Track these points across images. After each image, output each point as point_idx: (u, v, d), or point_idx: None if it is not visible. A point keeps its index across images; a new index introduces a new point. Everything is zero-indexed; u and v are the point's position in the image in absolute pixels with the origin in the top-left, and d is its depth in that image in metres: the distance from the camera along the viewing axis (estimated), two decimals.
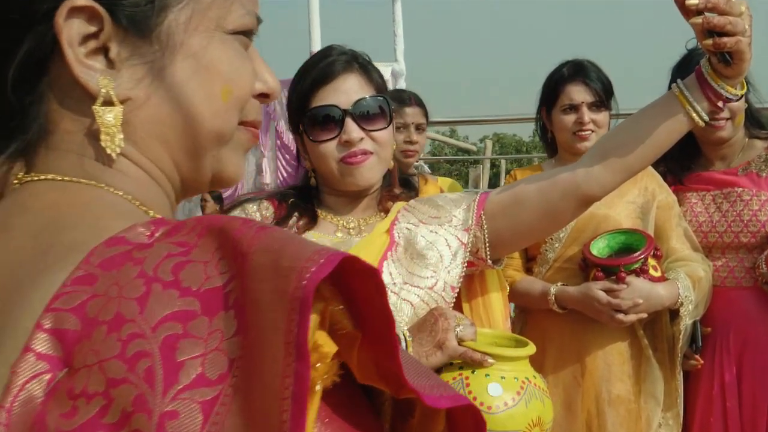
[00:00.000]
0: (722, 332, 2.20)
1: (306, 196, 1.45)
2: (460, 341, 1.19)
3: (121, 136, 0.54)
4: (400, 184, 1.59)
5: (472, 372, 1.17)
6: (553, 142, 2.37)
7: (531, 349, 1.29)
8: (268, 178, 4.82)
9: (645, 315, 2.07)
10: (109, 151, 0.54)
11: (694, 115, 1.19)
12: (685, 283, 2.10)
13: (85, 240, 0.46)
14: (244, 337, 0.37)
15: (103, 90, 0.53)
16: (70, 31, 0.52)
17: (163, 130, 0.57)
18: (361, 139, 1.35)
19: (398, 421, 0.49)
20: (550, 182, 1.30)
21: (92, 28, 0.53)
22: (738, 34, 1.10)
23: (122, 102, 0.54)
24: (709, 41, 1.12)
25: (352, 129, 1.33)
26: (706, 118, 1.20)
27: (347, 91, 1.34)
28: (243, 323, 0.37)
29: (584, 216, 2.12)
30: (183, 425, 0.36)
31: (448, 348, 1.16)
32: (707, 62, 1.18)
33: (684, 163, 2.35)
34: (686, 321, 2.11)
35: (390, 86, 7.03)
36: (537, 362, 2.16)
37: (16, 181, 0.56)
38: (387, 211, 1.43)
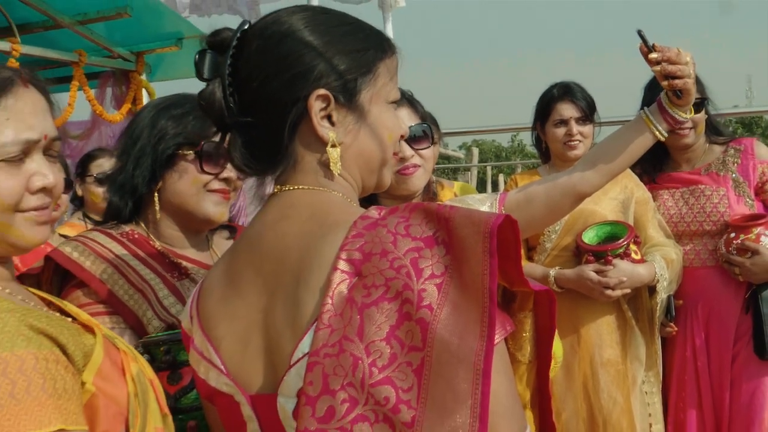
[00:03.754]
0: (692, 304, 2.62)
1: (368, 200, 1.87)
2: None
3: (339, 163, 0.98)
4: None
5: None
6: (547, 151, 2.79)
7: None
8: None
9: (629, 290, 2.49)
10: (334, 171, 0.97)
11: (657, 132, 1.63)
12: (660, 264, 2.52)
13: (343, 218, 0.90)
14: (452, 256, 0.80)
15: (332, 139, 0.96)
16: (315, 107, 0.96)
17: (358, 160, 1.00)
18: (412, 155, 1.78)
19: (505, 305, 0.93)
20: (553, 184, 1.73)
21: (324, 104, 0.97)
22: (685, 77, 1.55)
23: (339, 145, 0.98)
24: (666, 82, 1.56)
25: (406, 149, 1.76)
26: (665, 135, 1.64)
27: (402, 119, 1.77)
28: (450, 250, 0.81)
29: (575, 211, 2.55)
30: (429, 294, 0.79)
31: None
32: (665, 95, 1.63)
33: (656, 165, 2.76)
34: (662, 295, 2.52)
35: None
36: None
37: (276, 190, 0.99)
38: None
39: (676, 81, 1.55)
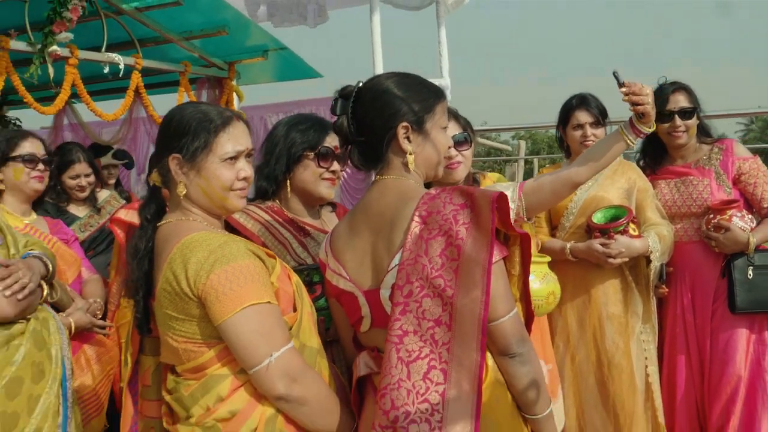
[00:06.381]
0: (681, 271, 3.28)
1: (427, 186, 2.63)
2: None
3: (413, 164, 1.74)
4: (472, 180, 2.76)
5: None
6: (568, 148, 3.48)
7: (548, 258, 2.45)
8: None
9: (627, 259, 3.15)
10: (410, 168, 1.73)
11: (628, 140, 2.33)
12: (654, 239, 3.18)
13: (416, 194, 1.66)
14: (473, 213, 1.55)
15: (409, 150, 1.72)
16: (400, 132, 1.72)
17: (424, 162, 1.76)
18: (456, 155, 2.52)
19: (504, 241, 1.69)
20: (557, 176, 2.44)
21: (405, 131, 1.73)
22: (646, 105, 2.25)
23: (413, 154, 1.74)
24: (632, 107, 2.27)
25: (453, 150, 2.51)
26: (634, 142, 2.35)
27: (450, 129, 2.52)
28: (472, 210, 1.55)
29: (588, 198, 3.26)
30: (461, 232, 1.54)
31: None
32: (634, 115, 2.33)
33: (657, 160, 3.43)
34: (655, 263, 3.16)
35: None
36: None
37: (377, 178, 1.76)
38: None
39: (638, 107, 2.26)
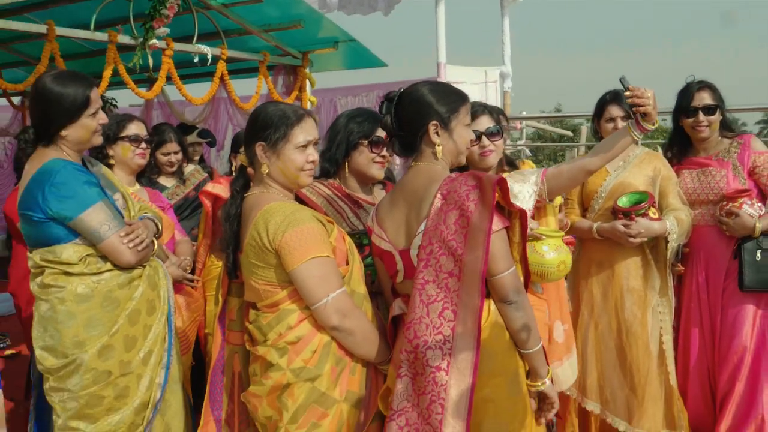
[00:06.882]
0: (696, 251, 3.65)
1: (461, 169, 3.10)
2: (532, 230, 2.82)
3: (441, 153, 2.23)
4: (508, 164, 3.22)
5: (537, 240, 2.80)
6: (601, 139, 3.86)
7: (561, 234, 2.90)
8: None
9: (646, 239, 3.52)
10: (438, 156, 2.22)
11: (634, 136, 2.75)
12: (672, 222, 3.54)
13: (441, 177, 2.16)
14: (481, 192, 2.03)
15: (438, 142, 2.21)
16: (431, 129, 2.21)
17: (450, 152, 2.24)
18: (489, 144, 2.98)
19: (507, 214, 2.17)
20: (574, 164, 2.88)
21: (435, 128, 2.21)
22: (648, 106, 2.66)
23: (440, 145, 2.22)
24: (635, 108, 2.68)
25: (485, 140, 2.97)
26: (639, 138, 2.76)
27: (483, 122, 2.98)
28: (480, 190, 2.03)
29: (616, 183, 3.66)
30: (471, 207, 2.02)
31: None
32: (639, 115, 2.74)
33: (682, 152, 3.78)
34: (673, 244, 3.51)
35: (498, 85, 8.55)
36: (586, 268, 3.74)
37: (413, 164, 2.26)
38: None
39: (641, 108, 2.67)
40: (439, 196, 2.10)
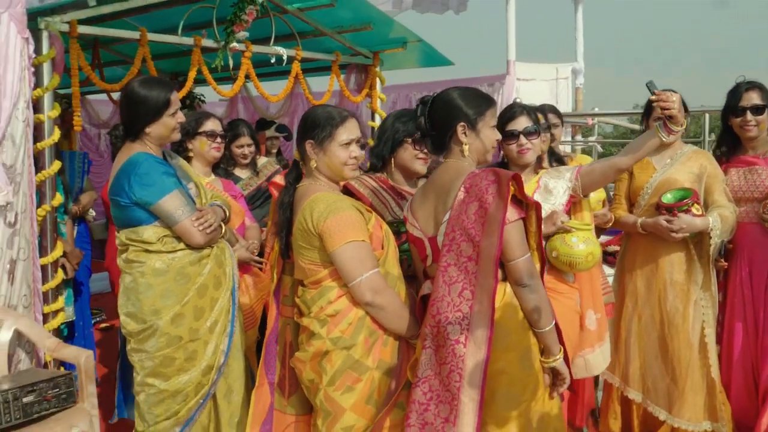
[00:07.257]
0: (741, 248, 3.72)
1: (500, 165, 3.33)
2: (562, 222, 3.02)
3: (468, 152, 2.48)
4: (556, 161, 3.42)
5: (567, 233, 3.00)
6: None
7: (591, 226, 3.08)
8: None
9: (687, 234, 3.62)
10: (465, 154, 2.47)
11: (662, 137, 2.91)
12: (715, 218, 3.61)
13: (465, 173, 2.41)
14: (498, 186, 2.27)
15: (465, 142, 2.47)
16: (459, 129, 2.46)
17: (476, 150, 2.48)
18: (526, 142, 3.19)
19: (523, 206, 2.40)
20: (606, 162, 3.06)
21: (463, 129, 2.47)
22: (673, 110, 2.82)
23: (467, 144, 2.47)
24: (661, 111, 2.84)
25: (522, 138, 3.18)
26: (666, 138, 2.92)
27: (521, 122, 3.19)
28: (498, 184, 2.27)
29: (662, 179, 3.78)
30: (489, 200, 2.27)
31: (556, 223, 3.00)
32: (666, 118, 2.89)
33: (731, 150, 3.86)
34: (715, 240, 3.59)
35: (570, 82, 8.59)
36: (631, 261, 3.88)
37: (443, 160, 2.52)
38: (536, 173, 3.28)
39: (667, 112, 2.83)
40: (462, 189, 2.35)
